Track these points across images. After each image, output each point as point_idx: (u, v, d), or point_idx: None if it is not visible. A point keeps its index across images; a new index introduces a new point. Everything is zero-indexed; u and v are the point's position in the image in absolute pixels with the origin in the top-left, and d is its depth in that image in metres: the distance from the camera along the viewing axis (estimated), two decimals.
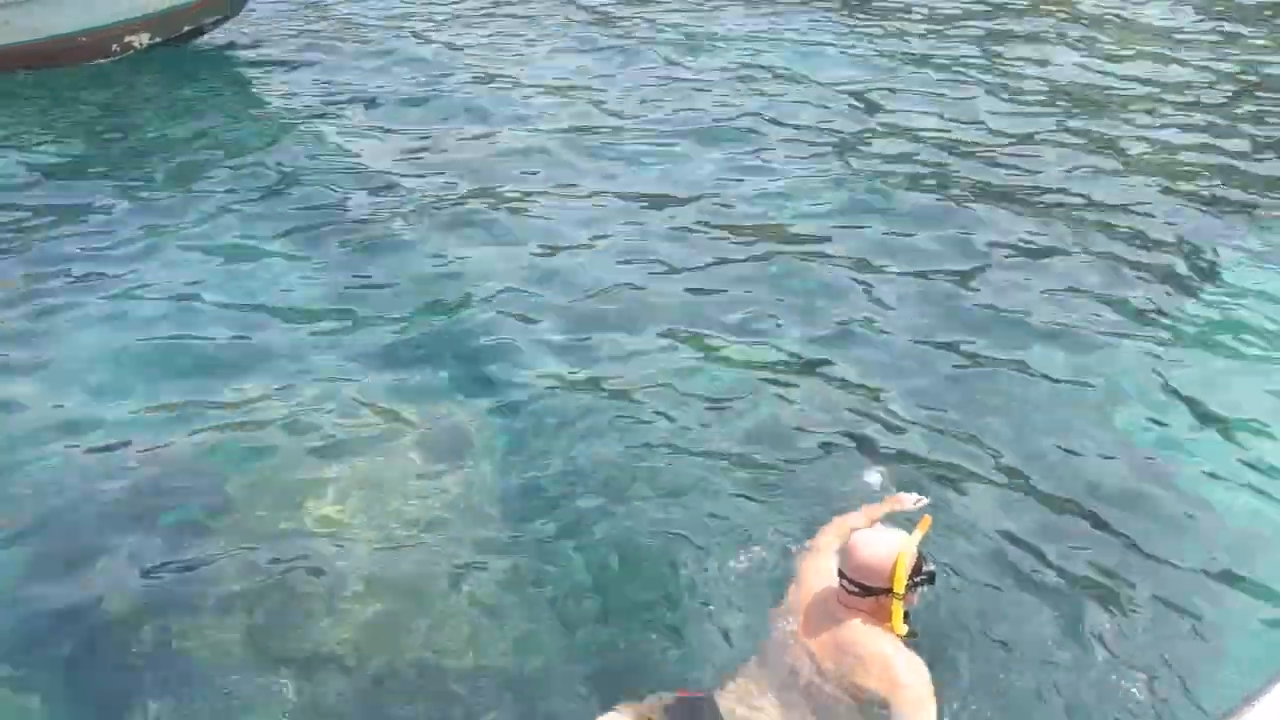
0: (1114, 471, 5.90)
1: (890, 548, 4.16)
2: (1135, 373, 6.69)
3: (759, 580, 5.07)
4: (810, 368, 6.81)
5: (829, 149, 9.77)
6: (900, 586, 4.13)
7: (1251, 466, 5.93)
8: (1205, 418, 6.31)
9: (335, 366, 6.89)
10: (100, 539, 5.54)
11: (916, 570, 4.20)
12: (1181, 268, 7.87)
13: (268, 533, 5.56)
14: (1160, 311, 7.32)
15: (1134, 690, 4.67)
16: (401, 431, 6.27)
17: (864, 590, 4.17)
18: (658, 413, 6.34)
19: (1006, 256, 8.05)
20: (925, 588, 4.31)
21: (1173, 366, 6.73)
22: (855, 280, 7.72)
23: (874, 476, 5.35)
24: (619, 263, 8.03)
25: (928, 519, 4.40)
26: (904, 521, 4.64)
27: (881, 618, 4.17)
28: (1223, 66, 11.57)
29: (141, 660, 4.92)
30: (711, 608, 4.98)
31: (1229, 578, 5.27)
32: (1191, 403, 6.41)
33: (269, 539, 5.50)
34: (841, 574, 4.22)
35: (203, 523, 5.64)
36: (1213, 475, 5.87)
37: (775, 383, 6.65)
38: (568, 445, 6.08)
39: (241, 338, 7.21)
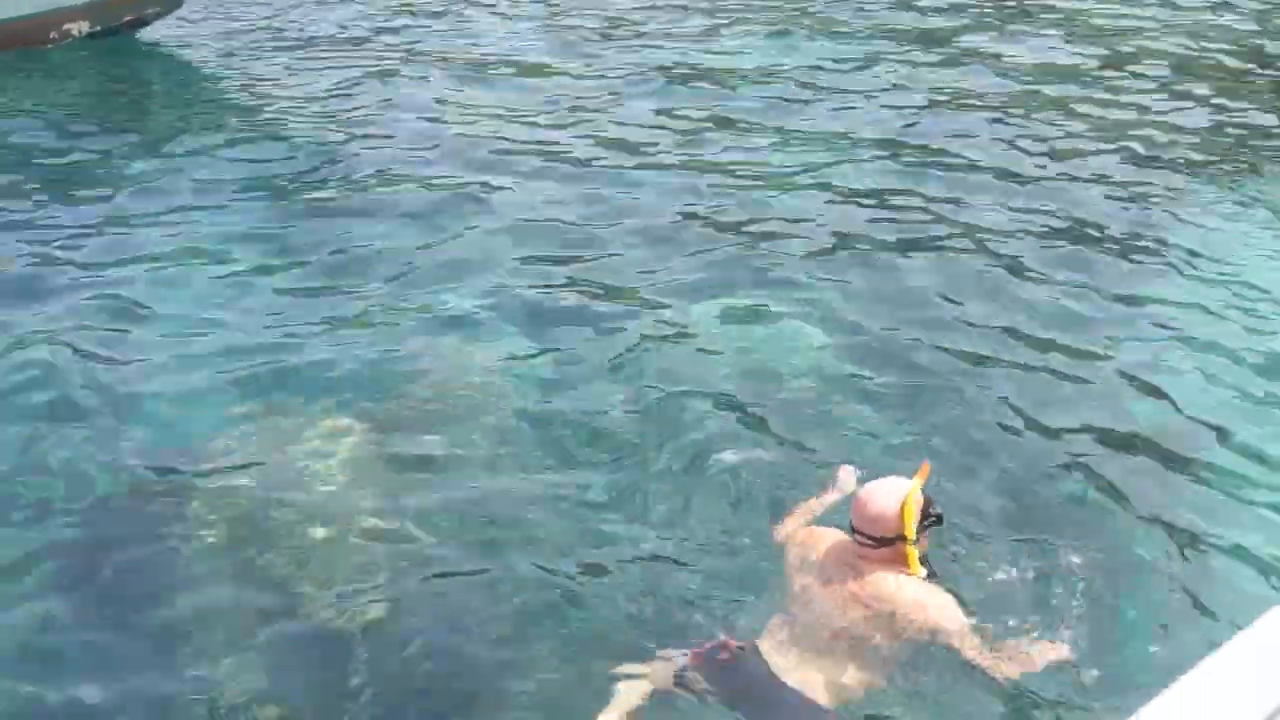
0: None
1: (896, 496, 4.26)
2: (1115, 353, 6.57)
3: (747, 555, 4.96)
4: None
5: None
6: (911, 532, 4.23)
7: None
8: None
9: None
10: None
11: (924, 514, 4.28)
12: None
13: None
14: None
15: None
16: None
17: (878, 542, 4.26)
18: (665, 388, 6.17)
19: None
20: (935, 530, 4.39)
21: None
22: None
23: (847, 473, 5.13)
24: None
25: (926, 465, 4.48)
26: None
27: (899, 564, 4.26)
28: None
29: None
30: (702, 588, 4.83)
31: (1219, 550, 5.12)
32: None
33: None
34: (854, 529, 4.31)
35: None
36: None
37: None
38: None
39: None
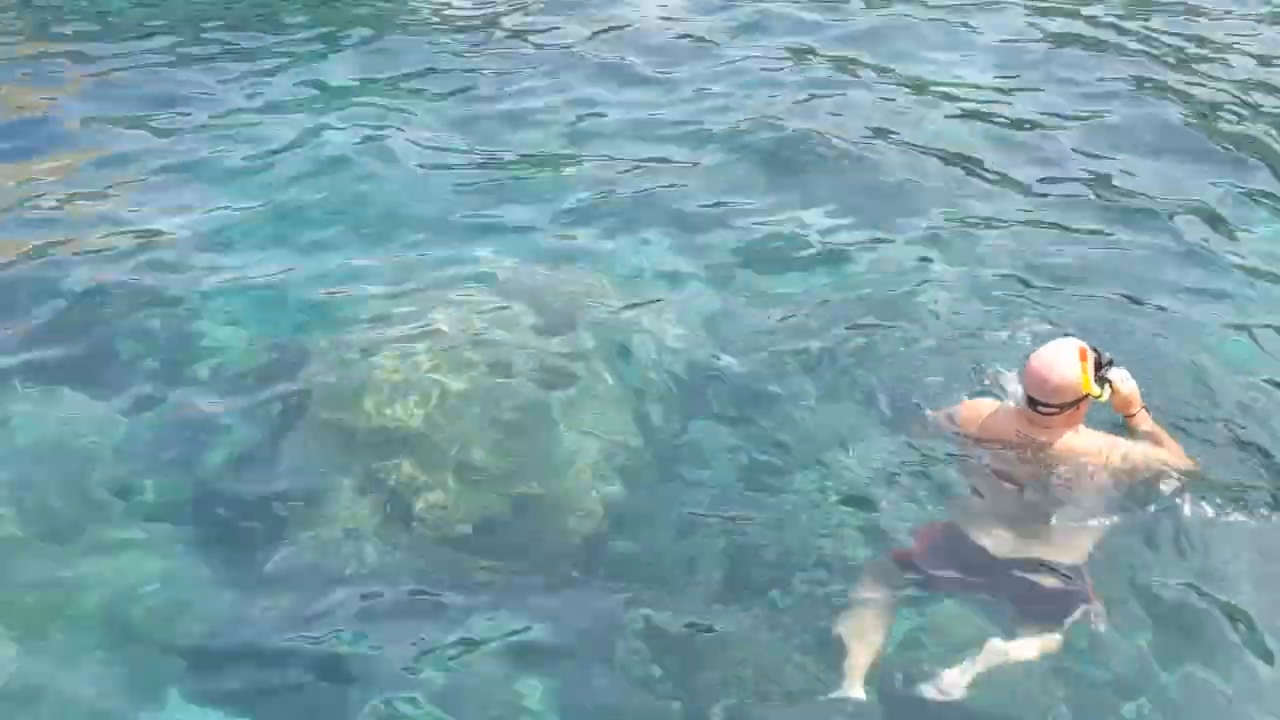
0: None
1: (1070, 361, 4.45)
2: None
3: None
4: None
5: None
6: (1090, 388, 4.47)
7: None
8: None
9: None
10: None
11: (1096, 366, 4.52)
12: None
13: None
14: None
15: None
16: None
17: (1062, 407, 4.47)
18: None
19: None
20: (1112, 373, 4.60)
21: None
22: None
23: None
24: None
25: (1084, 349, 4.57)
26: None
27: (1075, 419, 4.54)
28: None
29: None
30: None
31: None
32: None
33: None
34: (1035, 401, 4.49)
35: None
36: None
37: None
38: None
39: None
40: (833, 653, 4.19)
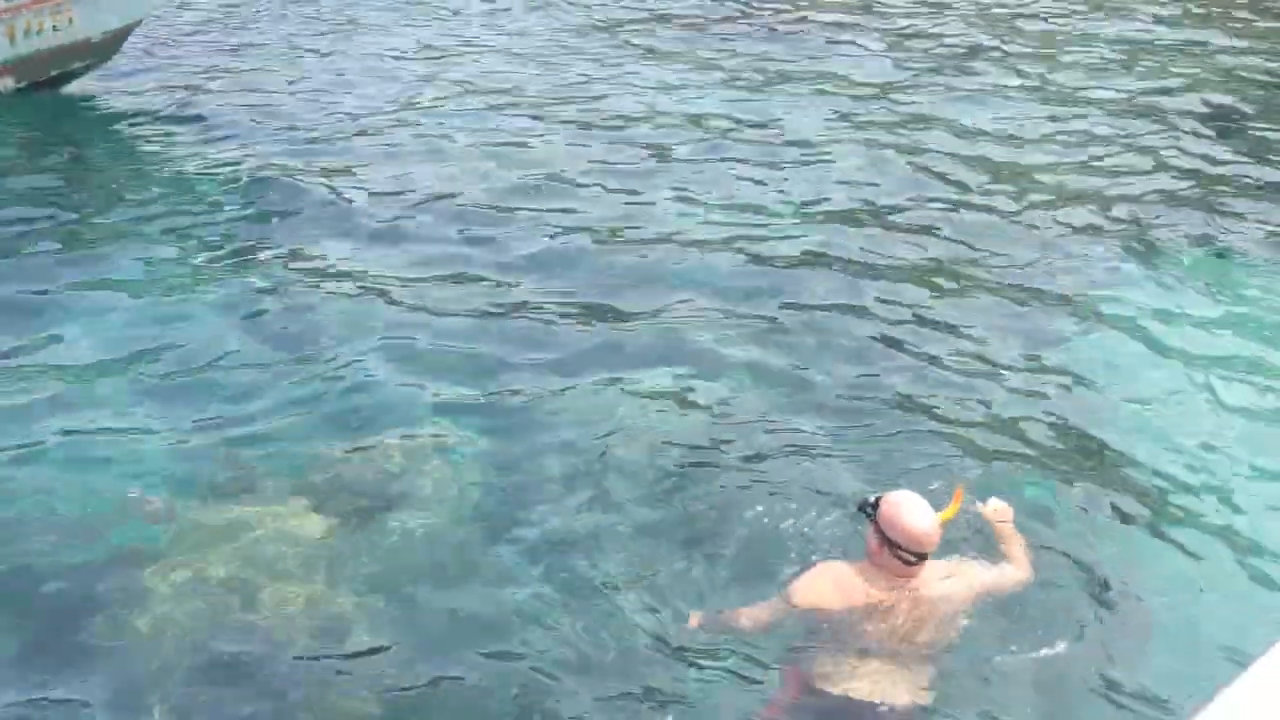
0: None
1: (924, 504, 4.52)
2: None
3: None
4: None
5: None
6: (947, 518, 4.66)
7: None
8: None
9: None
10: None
11: None
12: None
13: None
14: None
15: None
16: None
17: (923, 558, 4.50)
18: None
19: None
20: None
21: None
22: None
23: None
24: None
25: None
26: None
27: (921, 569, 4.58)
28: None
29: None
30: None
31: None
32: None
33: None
34: (908, 552, 4.45)
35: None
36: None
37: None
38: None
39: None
40: None
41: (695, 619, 4.84)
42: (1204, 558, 5.50)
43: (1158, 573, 5.43)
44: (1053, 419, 6.55)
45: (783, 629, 4.65)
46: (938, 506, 4.58)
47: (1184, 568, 5.46)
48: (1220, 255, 8.58)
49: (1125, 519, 5.76)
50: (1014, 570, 4.80)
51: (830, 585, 4.54)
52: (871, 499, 4.56)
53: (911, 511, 4.44)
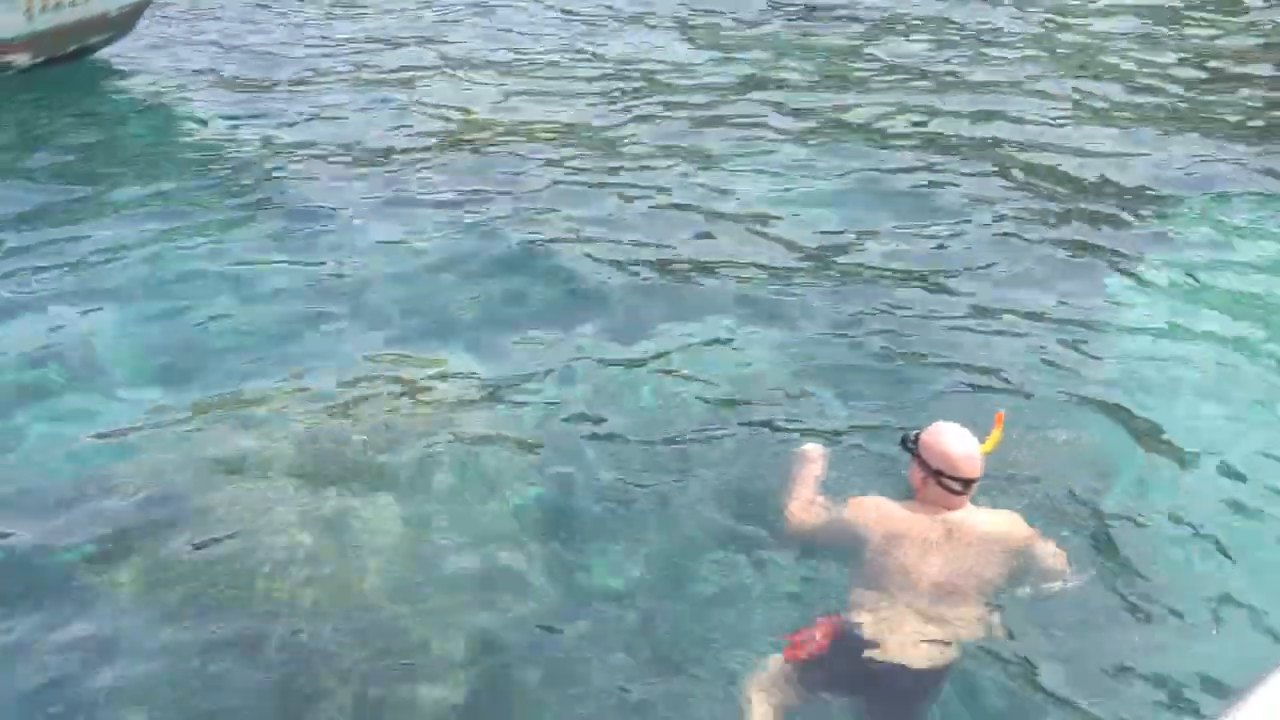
0: None
1: (965, 431, 4.57)
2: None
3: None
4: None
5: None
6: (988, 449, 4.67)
7: None
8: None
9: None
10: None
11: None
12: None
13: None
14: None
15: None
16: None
17: (969, 484, 4.53)
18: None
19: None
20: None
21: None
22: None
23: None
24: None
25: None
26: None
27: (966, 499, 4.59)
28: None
29: None
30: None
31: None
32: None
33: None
34: (953, 479, 4.48)
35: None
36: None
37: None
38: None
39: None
40: None
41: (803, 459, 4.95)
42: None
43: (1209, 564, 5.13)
44: (1095, 386, 6.34)
45: (827, 555, 4.74)
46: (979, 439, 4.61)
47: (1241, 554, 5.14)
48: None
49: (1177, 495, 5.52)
50: (1056, 551, 4.69)
51: (876, 510, 4.62)
52: (912, 434, 4.64)
53: (953, 437, 4.54)
